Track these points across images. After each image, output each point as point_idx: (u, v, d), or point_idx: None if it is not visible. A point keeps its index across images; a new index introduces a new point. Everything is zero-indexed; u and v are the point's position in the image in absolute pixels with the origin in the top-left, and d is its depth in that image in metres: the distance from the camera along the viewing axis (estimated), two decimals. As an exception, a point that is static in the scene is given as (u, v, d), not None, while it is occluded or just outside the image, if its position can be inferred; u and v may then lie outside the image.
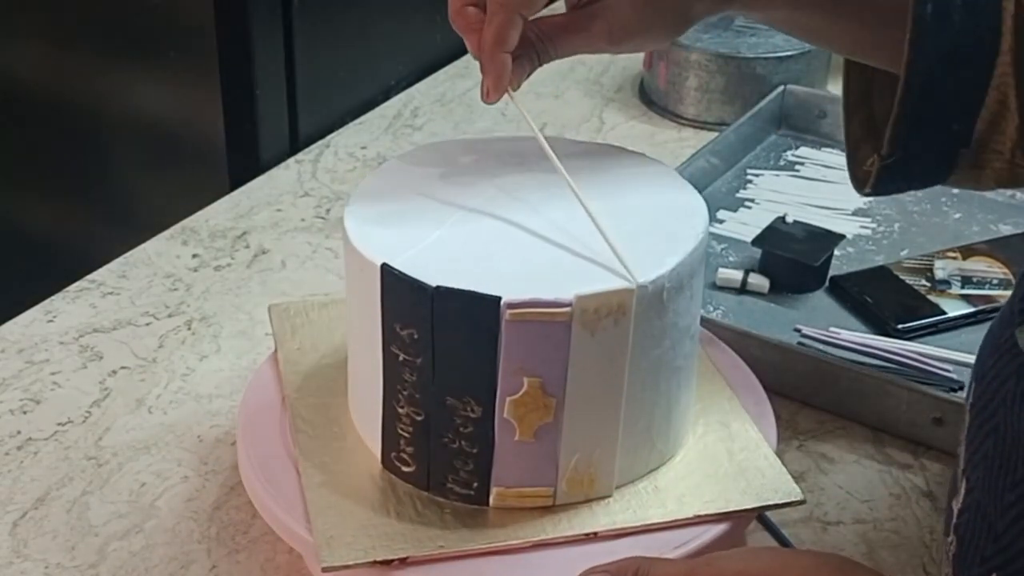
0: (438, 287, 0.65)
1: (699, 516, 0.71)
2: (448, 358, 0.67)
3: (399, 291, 0.66)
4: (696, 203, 0.74)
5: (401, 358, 0.68)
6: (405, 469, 0.72)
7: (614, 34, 0.75)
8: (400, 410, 0.70)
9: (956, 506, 0.57)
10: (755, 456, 0.75)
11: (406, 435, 0.71)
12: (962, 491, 0.56)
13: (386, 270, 0.66)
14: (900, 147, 0.72)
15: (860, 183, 0.78)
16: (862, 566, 0.60)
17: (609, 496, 0.72)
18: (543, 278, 0.66)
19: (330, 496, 0.71)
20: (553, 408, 0.68)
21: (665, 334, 0.69)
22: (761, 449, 0.76)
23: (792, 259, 1.04)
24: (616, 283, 0.66)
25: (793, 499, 0.73)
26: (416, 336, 0.67)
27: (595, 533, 0.70)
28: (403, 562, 0.67)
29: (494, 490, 0.70)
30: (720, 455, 0.76)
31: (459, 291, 0.65)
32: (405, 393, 0.69)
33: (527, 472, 0.70)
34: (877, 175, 0.74)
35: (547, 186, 0.74)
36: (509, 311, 0.65)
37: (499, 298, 0.64)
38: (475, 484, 0.70)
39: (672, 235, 0.70)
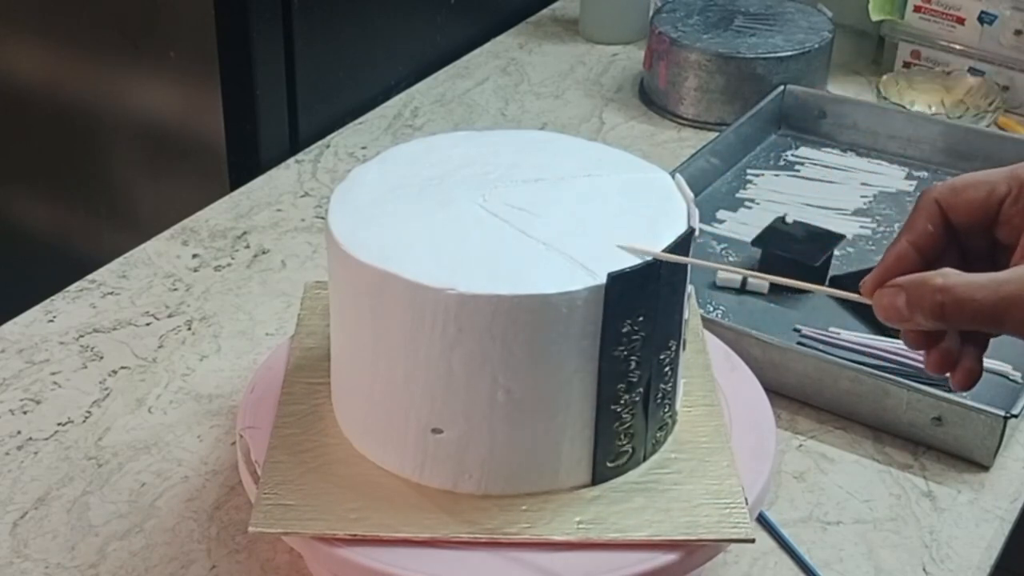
0: (655, 257, 0.68)
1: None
2: (665, 312, 0.71)
3: (629, 286, 0.68)
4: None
5: (625, 353, 0.69)
6: (620, 461, 0.73)
7: None
8: (618, 409, 0.71)
9: None
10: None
11: (625, 425, 0.72)
12: None
13: (615, 276, 0.67)
14: None
15: None
16: None
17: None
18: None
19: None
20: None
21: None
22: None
23: (792, 259, 1.04)
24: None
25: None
26: (643, 317, 0.69)
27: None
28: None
29: (678, 409, 0.77)
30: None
31: (672, 244, 0.69)
32: (623, 385, 0.70)
33: (680, 377, 0.77)
34: None
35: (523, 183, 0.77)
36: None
37: (692, 228, 0.71)
38: (670, 415, 0.75)
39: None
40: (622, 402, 0.71)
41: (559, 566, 0.68)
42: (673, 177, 0.77)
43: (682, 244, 0.70)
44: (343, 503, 0.71)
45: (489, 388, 0.68)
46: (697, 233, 0.72)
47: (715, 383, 0.81)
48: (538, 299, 0.66)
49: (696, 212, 0.73)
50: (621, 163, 0.80)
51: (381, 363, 0.71)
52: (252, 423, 0.77)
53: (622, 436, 0.72)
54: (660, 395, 0.73)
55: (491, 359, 0.67)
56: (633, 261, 0.68)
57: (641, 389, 0.71)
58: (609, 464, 0.72)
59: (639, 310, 0.68)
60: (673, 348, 0.73)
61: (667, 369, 0.73)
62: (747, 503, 0.72)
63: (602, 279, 0.67)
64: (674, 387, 0.75)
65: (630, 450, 0.73)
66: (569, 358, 0.68)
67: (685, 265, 0.71)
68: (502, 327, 0.66)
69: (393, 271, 0.67)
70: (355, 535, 0.69)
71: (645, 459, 0.74)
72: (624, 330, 0.68)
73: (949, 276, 0.57)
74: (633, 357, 0.69)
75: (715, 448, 0.75)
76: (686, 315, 0.74)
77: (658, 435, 0.75)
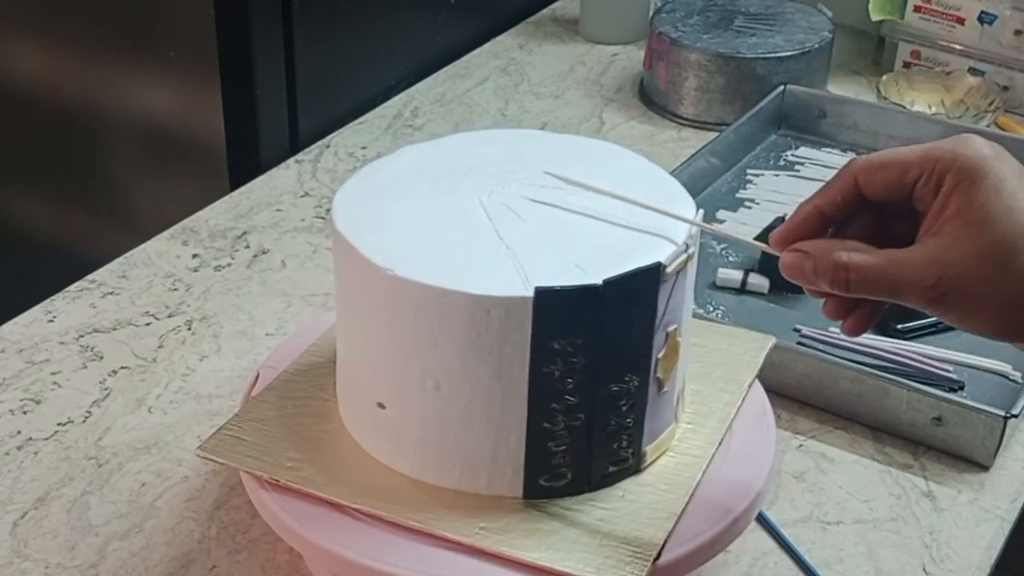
0: (605, 280, 0.66)
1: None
2: (616, 342, 0.68)
3: (560, 304, 0.66)
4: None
5: (557, 373, 0.68)
6: (558, 484, 0.71)
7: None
8: (553, 427, 0.69)
9: None
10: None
11: (562, 448, 0.70)
12: None
13: (542, 291, 0.65)
14: None
15: None
16: None
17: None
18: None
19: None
20: (678, 347, 0.71)
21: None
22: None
23: (792, 259, 1.04)
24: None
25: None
26: (580, 341, 0.67)
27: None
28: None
29: (646, 451, 0.73)
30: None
31: (624, 274, 0.66)
32: (559, 406, 0.69)
33: (661, 420, 0.73)
34: None
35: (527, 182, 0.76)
36: (665, 271, 0.68)
37: (660, 263, 0.67)
38: (631, 455, 0.72)
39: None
40: (557, 422, 0.69)
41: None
42: (696, 213, 0.73)
43: (638, 276, 0.67)
44: (287, 452, 0.73)
45: (420, 376, 0.69)
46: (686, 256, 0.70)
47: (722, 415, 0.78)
48: (462, 296, 0.66)
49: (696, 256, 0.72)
50: (657, 195, 0.74)
51: (341, 331, 0.75)
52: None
53: (558, 457, 0.70)
54: (613, 429, 0.70)
55: (420, 347, 0.68)
56: (580, 281, 0.66)
57: (582, 415, 0.69)
58: (543, 482, 0.71)
59: (575, 332, 0.67)
60: (633, 384, 0.70)
61: (623, 404, 0.70)
62: (656, 559, 0.68)
63: (532, 291, 0.66)
64: (638, 427, 0.72)
65: (568, 475, 0.71)
66: (498, 363, 0.68)
67: (653, 303, 0.68)
68: (429, 317, 0.67)
69: (351, 240, 0.69)
70: (276, 481, 0.71)
71: (591, 489, 0.72)
72: (556, 347, 0.67)
73: (853, 253, 0.62)
74: (570, 379, 0.68)
75: (669, 493, 0.72)
76: (658, 354, 0.70)
77: (610, 469, 0.72)
